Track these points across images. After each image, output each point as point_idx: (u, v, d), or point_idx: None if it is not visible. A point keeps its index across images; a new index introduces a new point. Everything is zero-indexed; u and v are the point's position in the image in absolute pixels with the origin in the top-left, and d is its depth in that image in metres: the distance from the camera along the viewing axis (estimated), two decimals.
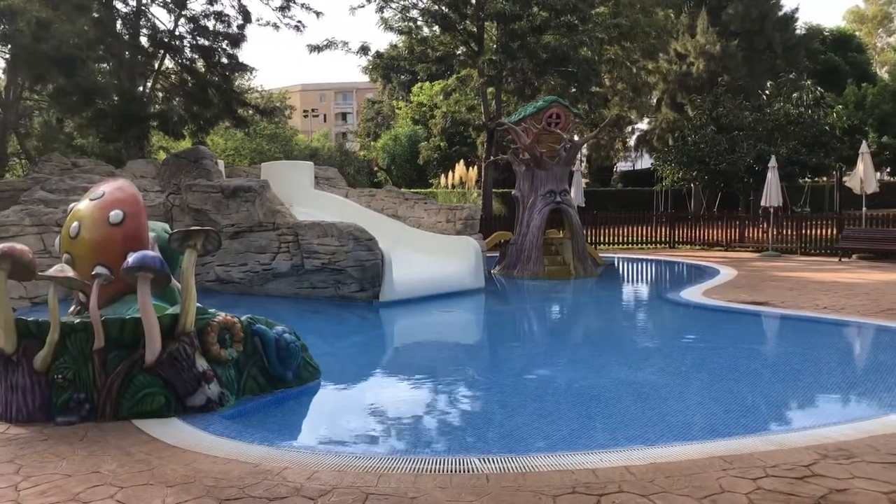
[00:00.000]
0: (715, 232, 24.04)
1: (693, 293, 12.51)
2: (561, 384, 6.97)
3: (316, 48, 24.36)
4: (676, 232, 24.51)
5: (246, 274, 13.25)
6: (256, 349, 6.16)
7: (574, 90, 26.57)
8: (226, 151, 37.33)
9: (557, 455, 4.62)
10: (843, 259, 18.59)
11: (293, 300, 12.43)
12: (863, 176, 19.38)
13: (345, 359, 8.36)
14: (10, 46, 23.18)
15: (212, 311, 5.97)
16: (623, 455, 4.63)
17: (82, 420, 5.31)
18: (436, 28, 25.41)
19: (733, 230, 23.51)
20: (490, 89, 25.18)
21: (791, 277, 14.79)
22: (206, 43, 25.59)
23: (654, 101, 39.24)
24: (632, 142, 45.26)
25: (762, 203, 21.23)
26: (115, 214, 5.94)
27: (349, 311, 11.55)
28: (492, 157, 23.41)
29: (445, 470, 4.40)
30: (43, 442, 4.92)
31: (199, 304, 5.75)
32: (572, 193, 17.34)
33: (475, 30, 24.43)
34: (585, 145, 33.33)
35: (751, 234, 23.52)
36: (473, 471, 4.38)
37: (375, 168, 44.15)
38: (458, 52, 25.18)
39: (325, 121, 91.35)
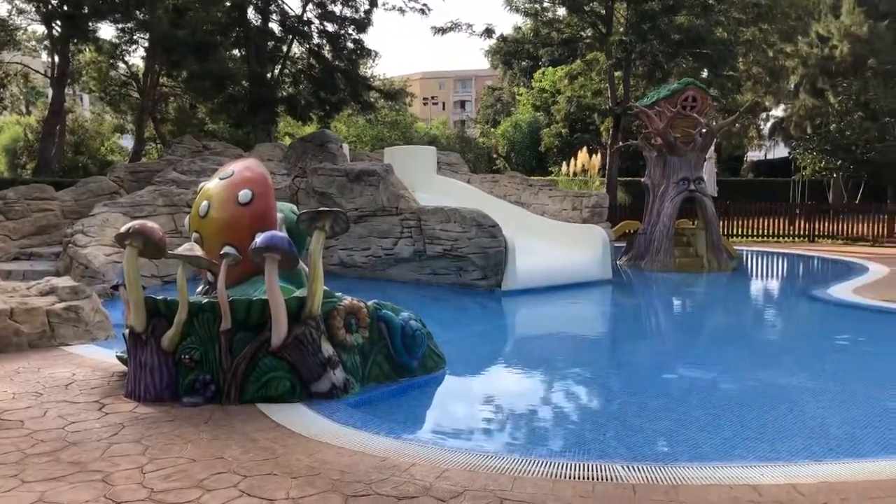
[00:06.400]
0: (860, 226, 22.37)
1: (843, 291, 11.52)
2: (705, 386, 6.41)
3: (440, 30, 24.19)
4: (816, 225, 23.00)
5: (368, 258, 13.19)
6: (382, 335, 5.93)
7: (706, 74, 25.31)
8: (347, 138, 37.92)
9: (712, 467, 4.14)
10: None
11: (414, 286, 12.27)
12: None
13: (467, 348, 8.04)
14: (149, 34, 24.21)
15: (338, 294, 5.78)
16: (788, 470, 4.09)
17: (207, 402, 5.22)
18: (562, 10, 24.74)
19: (881, 224, 21.79)
20: (618, 73, 24.31)
21: None
22: (333, 28, 25.90)
23: (792, 86, 37.01)
24: (766, 129, 42.96)
25: None
26: (244, 194, 5.83)
27: (471, 298, 11.27)
28: (619, 143, 22.58)
29: (586, 476, 4.00)
30: (169, 423, 4.84)
31: (325, 288, 5.56)
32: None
33: (603, 11, 23.61)
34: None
35: None
36: (618, 479, 3.96)
37: (495, 155, 43.76)
38: (585, 34, 24.41)
39: (443, 108, 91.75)
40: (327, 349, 5.42)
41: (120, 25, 25.33)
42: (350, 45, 26.20)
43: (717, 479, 3.96)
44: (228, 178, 6.04)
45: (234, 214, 5.79)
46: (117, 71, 31.07)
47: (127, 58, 30.04)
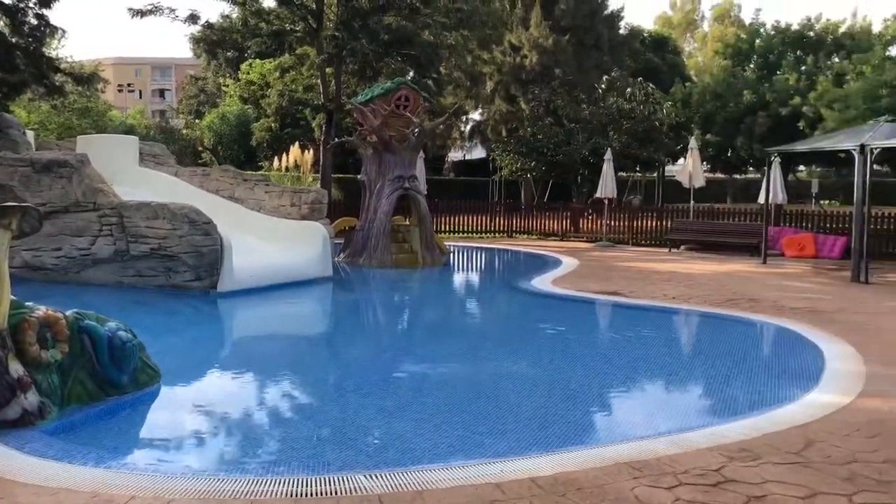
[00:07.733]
0: (550, 222, 24.51)
1: (544, 282, 12.43)
2: (436, 382, 6.46)
3: (139, 13, 22.29)
4: (513, 222, 24.80)
5: (60, 259, 11.77)
6: (85, 350, 5.22)
7: (414, 76, 26.12)
8: (29, 125, 33.87)
9: (454, 467, 4.14)
10: (672, 250, 19.42)
11: (116, 289, 11.15)
12: (692, 170, 20.29)
13: (183, 358, 7.40)
14: None
15: (29, 304, 4.97)
16: (525, 464, 4.22)
17: None
18: (272, 1, 24.14)
19: (567, 221, 24.07)
20: (329, 70, 24.23)
21: (631, 267, 15.15)
22: (11, 1, 22.91)
23: (489, 91, 39.62)
24: (466, 131, 45.59)
25: (598, 194, 21.78)
26: None
27: (183, 301, 10.50)
28: (334, 140, 22.49)
29: (329, 491, 3.80)
30: None
31: (12, 297, 4.75)
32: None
33: (314, 6, 23.36)
34: None
35: (585, 225, 24.14)
36: (362, 491, 3.79)
37: (201, 148, 41.73)
38: (296, 27, 23.98)
39: (140, 97, 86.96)
40: (17, 369, 4.66)
41: None
42: (32, 20, 23.35)
43: (460, 479, 3.95)
44: None
45: None
46: None
47: None
